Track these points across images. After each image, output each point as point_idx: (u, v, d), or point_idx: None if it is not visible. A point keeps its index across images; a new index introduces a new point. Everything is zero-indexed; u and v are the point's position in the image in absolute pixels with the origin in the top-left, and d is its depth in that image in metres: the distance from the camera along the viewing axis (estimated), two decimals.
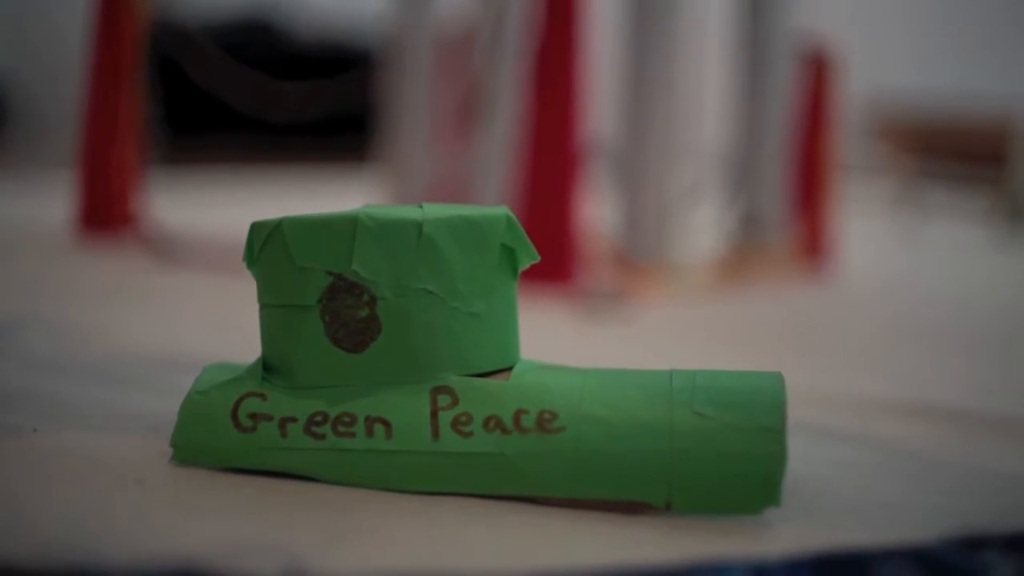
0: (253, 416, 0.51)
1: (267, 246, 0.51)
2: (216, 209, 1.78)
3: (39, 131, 3.24)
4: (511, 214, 0.53)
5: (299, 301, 0.51)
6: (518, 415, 0.50)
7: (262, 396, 0.52)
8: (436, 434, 0.50)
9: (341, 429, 0.50)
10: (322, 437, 0.50)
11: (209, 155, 2.72)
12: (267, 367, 0.53)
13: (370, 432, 0.50)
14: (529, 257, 0.54)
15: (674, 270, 1.21)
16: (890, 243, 1.77)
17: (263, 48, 3.01)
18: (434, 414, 0.50)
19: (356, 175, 2.15)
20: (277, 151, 2.82)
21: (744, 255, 1.33)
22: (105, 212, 1.39)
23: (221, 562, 0.39)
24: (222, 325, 0.92)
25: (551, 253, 1.12)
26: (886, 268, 1.49)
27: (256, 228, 0.52)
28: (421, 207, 0.52)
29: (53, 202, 1.66)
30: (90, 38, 1.40)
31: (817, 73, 1.43)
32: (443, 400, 0.50)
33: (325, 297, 0.50)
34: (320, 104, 2.71)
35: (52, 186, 1.87)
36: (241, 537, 0.44)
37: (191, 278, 1.16)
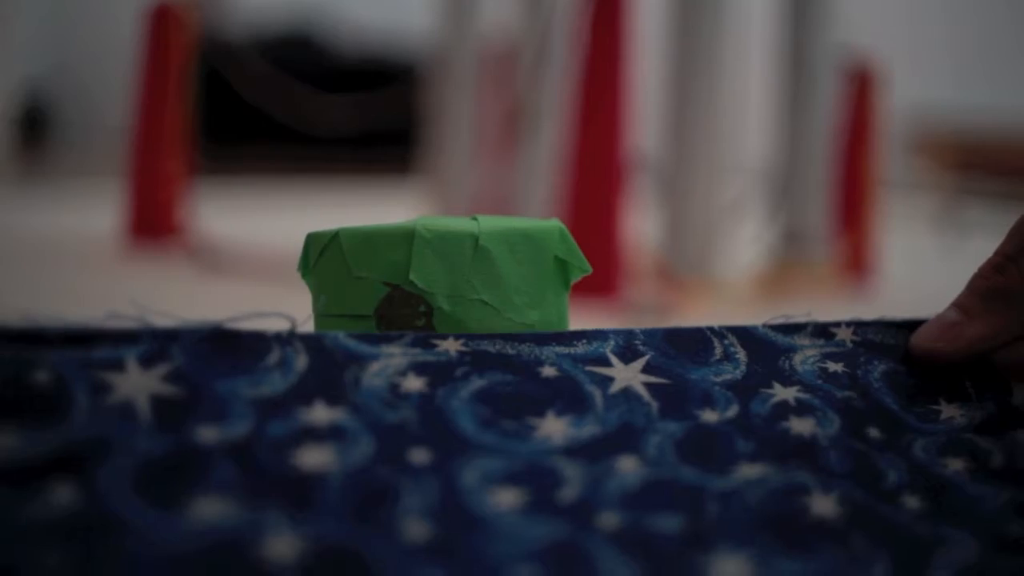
0: None
1: (324, 256, 0.52)
2: (259, 220, 1.80)
3: (81, 141, 3.27)
4: (563, 227, 0.53)
5: (355, 311, 0.51)
6: None
7: None
8: None
9: None
10: None
11: (253, 167, 2.75)
12: None
13: None
14: (581, 269, 0.54)
15: (717, 285, 1.21)
16: (931, 259, 1.76)
17: (304, 62, 3.03)
18: None
19: (398, 187, 2.17)
20: (320, 163, 2.84)
21: (787, 271, 1.33)
22: (152, 222, 1.40)
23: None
24: None
25: (596, 267, 1.12)
26: (927, 285, 1.48)
27: (312, 238, 0.53)
28: (475, 219, 0.52)
29: (96, 212, 1.68)
30: (139, 52, 1.42)
31: (861, 88, 1.43)
32: None
33: (382, 307, 0.51)
34: (363, 117, 2.73)
35: (95, 196, 1.89)
36: None
37: (235, 287, 1.17)
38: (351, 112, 2.72)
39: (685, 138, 1.23)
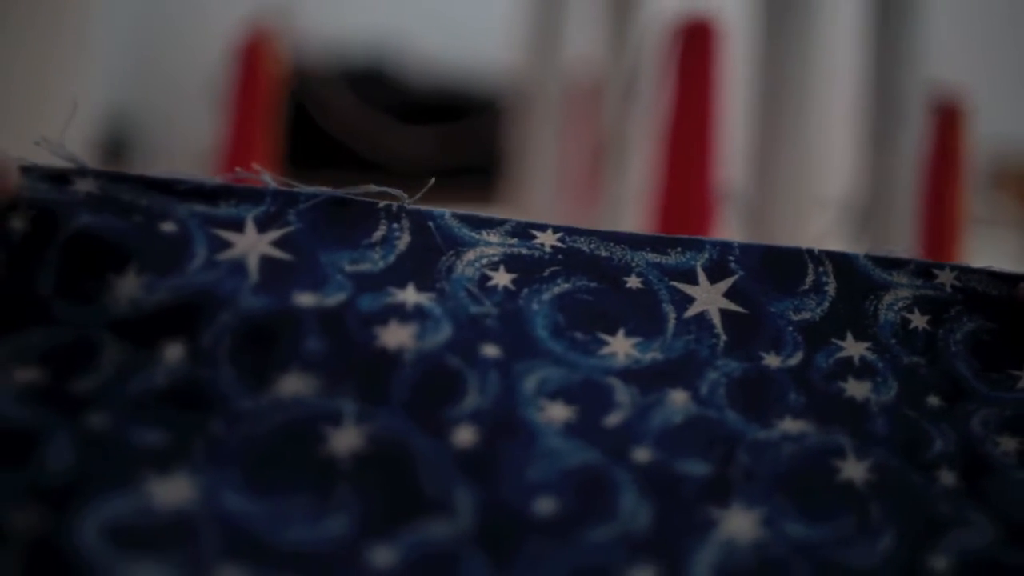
0: None
1: None
2: None
3: (164, 167, 3.32)
4: None
5: None
6: None
7: None
8: None
9: None
10: None
11: None
12: None
13: None
14: None
15: None
16: None
17: (381, 94, 3.05)
18: None
19: None
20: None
21: None
22: None
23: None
24: None
25: None
26: None
27: None
28: None
29: None
30: (229, 84, 1.44)
31: (947, 123, 1.41)
32: None
33: None
34: (443, 149, 2.75)
35: None
36: None
37: None
38: (431, 143, 2.74)
39: (772, 171, 1.22)
